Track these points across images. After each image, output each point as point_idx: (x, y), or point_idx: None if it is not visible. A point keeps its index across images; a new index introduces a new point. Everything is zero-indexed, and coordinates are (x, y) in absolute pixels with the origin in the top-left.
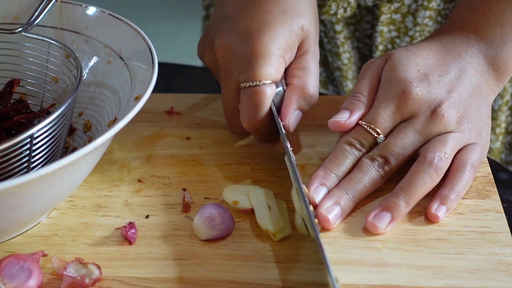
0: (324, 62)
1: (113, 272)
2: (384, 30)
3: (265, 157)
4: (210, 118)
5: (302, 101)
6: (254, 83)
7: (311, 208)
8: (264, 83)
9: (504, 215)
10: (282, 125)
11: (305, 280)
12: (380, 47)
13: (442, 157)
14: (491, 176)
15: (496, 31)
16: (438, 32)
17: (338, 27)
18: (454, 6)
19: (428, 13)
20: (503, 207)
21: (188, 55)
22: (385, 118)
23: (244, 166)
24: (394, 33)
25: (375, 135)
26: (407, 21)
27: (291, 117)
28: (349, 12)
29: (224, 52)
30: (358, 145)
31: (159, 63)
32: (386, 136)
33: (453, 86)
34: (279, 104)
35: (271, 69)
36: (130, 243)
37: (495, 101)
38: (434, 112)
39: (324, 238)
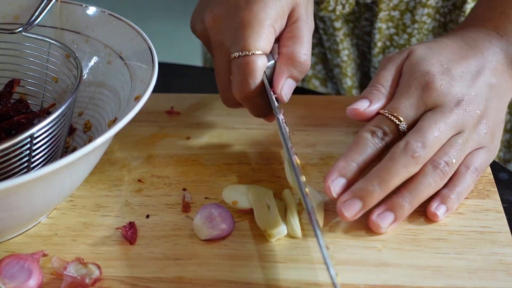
0: (323, 60)
1: (113, 272)
2: (382, 27)
3: (265, 157)
4: (210, 118)
5: (293, 70)
6: (244, 53)
7: (302, 178)
8: (254, 53)
9: (504, 215)
10: (276, 96)
11: (305, 280)
12: (379, 44)
13: (449, 162)
14: (491, 176)
15: None
16: (458, 28)
17: (338, 24)
18: (452, 4)
19: (426, 10)
20: (503, 207)
21: (188, 55)
22: (407, 107)
23: (244, 166)
24: (393, 30)
25: (397, 123)
26: (405, 18)
27: (283, 86)
28: (347, 9)
29: (214, 23)
30: (380, 134)
31: (159, 63)
32: (408, 126)
33: (474, 83)
34: (272, 77)
35: (260, 39)
36: (130, 243)
37: None
38: (458, 105)
39: (324, 238)
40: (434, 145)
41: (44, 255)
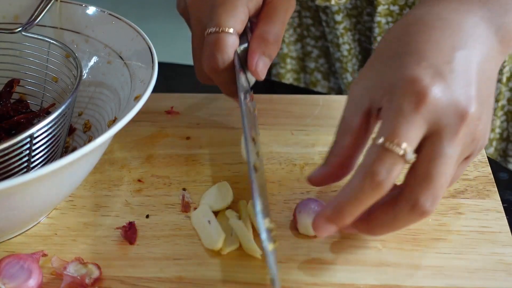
0: (326, 54)
1: (113, 272)
2: (382, 21)
3: (265, 157)
4: (210, 118)
5: (265, 48)
6: (215, 30)
7: (252, 159)
8: (224, 31)
9: (504, 215)
10: (252, 72)
11: (305, 280)
12: (379, 38)
13: (436, 201)
14: (491, 176)
15: None
16: (419, 6)
17: (338, 17)
18: None
19: None
20: (503, 207)
21: (188, 55)
22: (408, 128)
23: (244, 166)
24: (392, 25)
25: (402, 154)
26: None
27: (258, 63)
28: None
29: (193, 3)
30: (383, 176)
31: (159, 63)
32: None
33: (468, 74)
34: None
35: (232, 18)
36: (130, 243)
37: None
38: (462, 120)
39: (324, 238)
40: (442, 193)
41: (44, 255)
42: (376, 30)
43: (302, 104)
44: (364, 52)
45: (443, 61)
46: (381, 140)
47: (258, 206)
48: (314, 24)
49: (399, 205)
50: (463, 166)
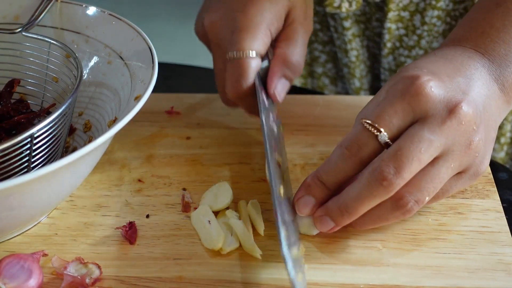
0: (334, 59)
1: (114, 271)
2: (392, 27)
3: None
4: (210, 118)
5: (286, 70)
6: (238, 55)
7: (275, 186)
8: (248, 56)
9: (504, 215)
10: (270, 95)
11: (306, 279)
12: (388, 45)
13: (420, 201)
14: (491, 176)
15: (499, 48)
16: (435, 50)
17: (347, 24)
18: (464, 7)
19: (436, 12)
20: (503, 207)
21: (188, 55)
22: (390, 114)
23: (244, 166)
24: (402, 31)
25: (376, 133)
26: (415, 20)
27: (276, 86)
28: (354, 7)
29: (212, 28)
30: (354, 149)
31: (159, 63)
32: (393, 137)
33: (466, 88)
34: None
35: (255, 42)
36: (131, 242)
37: None
38: (452, 113)
39: (324, 237)
40: (411, 171)
41: (44, 255)
42: (386, 36)
43: (302, 104)
44: (372, 58)
45: (444, 74)
46: (364, 121)
47: (283, 239)
48: (322, 29)
49: (363, 172)
50: (458, 180)
